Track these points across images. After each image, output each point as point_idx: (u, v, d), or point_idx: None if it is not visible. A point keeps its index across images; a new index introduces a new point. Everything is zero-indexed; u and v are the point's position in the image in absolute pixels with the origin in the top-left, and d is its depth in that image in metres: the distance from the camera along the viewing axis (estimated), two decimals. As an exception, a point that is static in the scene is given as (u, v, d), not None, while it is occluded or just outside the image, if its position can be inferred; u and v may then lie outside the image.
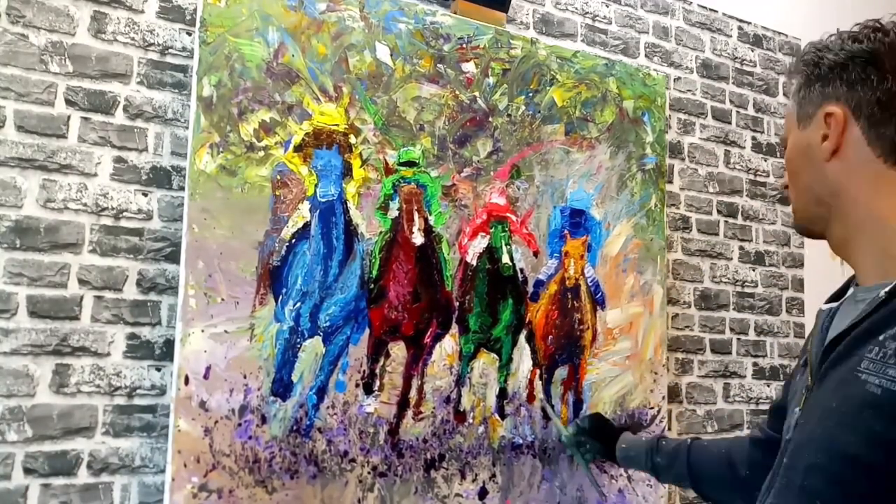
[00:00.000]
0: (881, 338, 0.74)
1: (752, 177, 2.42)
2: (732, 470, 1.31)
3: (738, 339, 2.32)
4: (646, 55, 2.24)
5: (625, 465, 1.49)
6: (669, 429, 2.10)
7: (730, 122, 2.39)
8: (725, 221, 2.34)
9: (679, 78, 2.30)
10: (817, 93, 0.91)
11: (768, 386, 2.37)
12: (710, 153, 2.34)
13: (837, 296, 0.96)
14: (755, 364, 2.35)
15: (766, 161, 2.46)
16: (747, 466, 1.27)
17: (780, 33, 2.55)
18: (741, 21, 2.47)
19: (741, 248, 2.36)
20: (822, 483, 0.76)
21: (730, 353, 2.30)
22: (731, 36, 2.43)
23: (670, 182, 2.23)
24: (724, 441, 1.40)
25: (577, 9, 2.12)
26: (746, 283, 2.36)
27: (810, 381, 0.86)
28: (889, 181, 0.85)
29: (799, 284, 2.48)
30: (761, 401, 2.35)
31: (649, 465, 1.42)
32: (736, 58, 2.43)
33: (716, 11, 2.41)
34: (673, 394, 2.14)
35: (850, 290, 0.92)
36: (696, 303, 2.25)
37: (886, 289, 0.79)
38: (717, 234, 2.32)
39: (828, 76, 0.90)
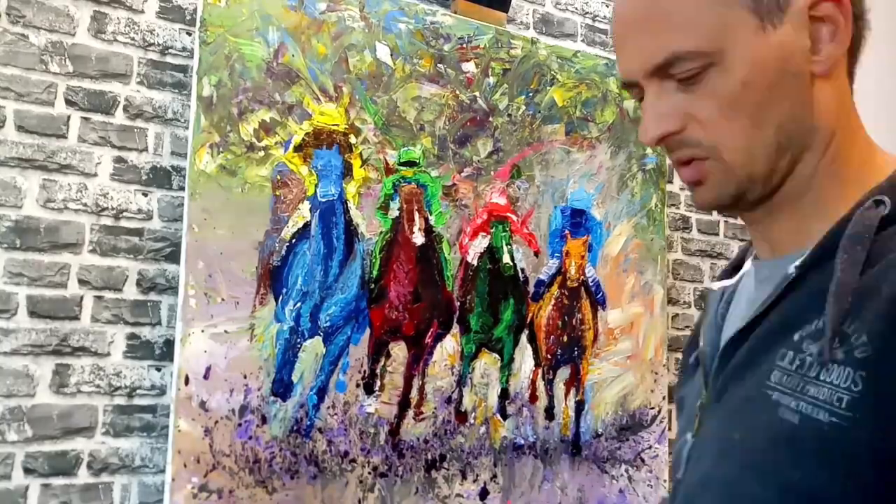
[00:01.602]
0: (796, 338, 0.53)
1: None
2: None
3: (739, 339, 2.32)
4: (646, 55, 2.23)
5: None
6: (669, 429, 2.10)
7: (730, 123, 2.39)
8: (725, 221, 2.34)
9: (679, 78, 2.30)
10: None
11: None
12: (711, 153, 2.34)
13: (734, 269, 0.69)
14: (756, 364, 2.35)
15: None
16: None
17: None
18: (741, 21, 2.47)
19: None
20: None
21: (731, 353, 2.30)
22: (731, 36, 2.43)
23: (670, 182, 2.22)
24: None
25: (577, 9, 2.12)
26: (747, 284, 2.36)
27: (705, 397, 0.62)
28: (859, 122, 0.60)
29: (800, 285, 2.48)
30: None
31: None
32: (736, 58, 2.43)
33: (716, 12, 2.41)
34: (673, 394, 2.13)
35: (748, 264, 0.67)
36: (696, 303, 2.24)
37: (797, 262, 0.56)
38: (717, 234, 2.32)
39: None
